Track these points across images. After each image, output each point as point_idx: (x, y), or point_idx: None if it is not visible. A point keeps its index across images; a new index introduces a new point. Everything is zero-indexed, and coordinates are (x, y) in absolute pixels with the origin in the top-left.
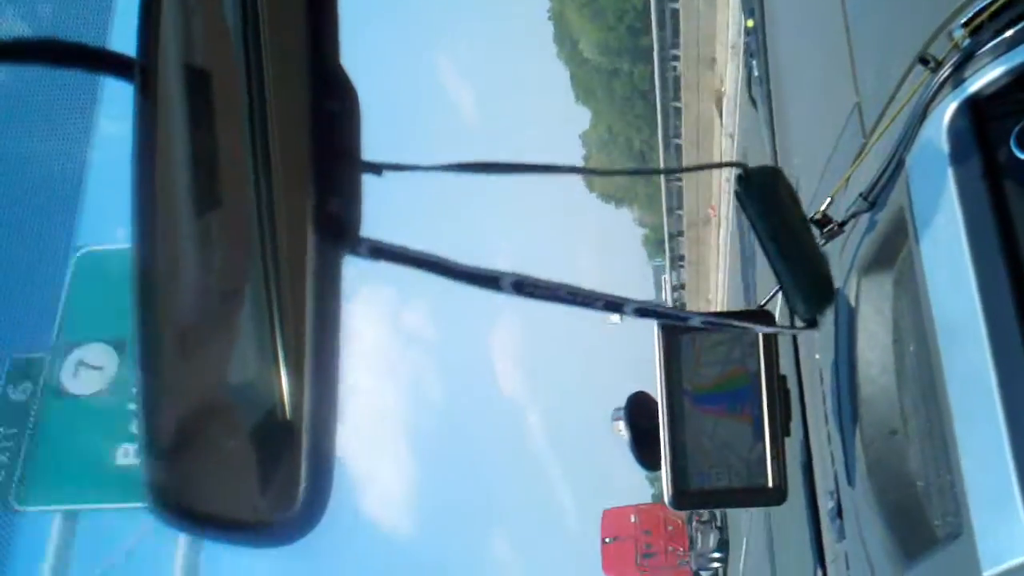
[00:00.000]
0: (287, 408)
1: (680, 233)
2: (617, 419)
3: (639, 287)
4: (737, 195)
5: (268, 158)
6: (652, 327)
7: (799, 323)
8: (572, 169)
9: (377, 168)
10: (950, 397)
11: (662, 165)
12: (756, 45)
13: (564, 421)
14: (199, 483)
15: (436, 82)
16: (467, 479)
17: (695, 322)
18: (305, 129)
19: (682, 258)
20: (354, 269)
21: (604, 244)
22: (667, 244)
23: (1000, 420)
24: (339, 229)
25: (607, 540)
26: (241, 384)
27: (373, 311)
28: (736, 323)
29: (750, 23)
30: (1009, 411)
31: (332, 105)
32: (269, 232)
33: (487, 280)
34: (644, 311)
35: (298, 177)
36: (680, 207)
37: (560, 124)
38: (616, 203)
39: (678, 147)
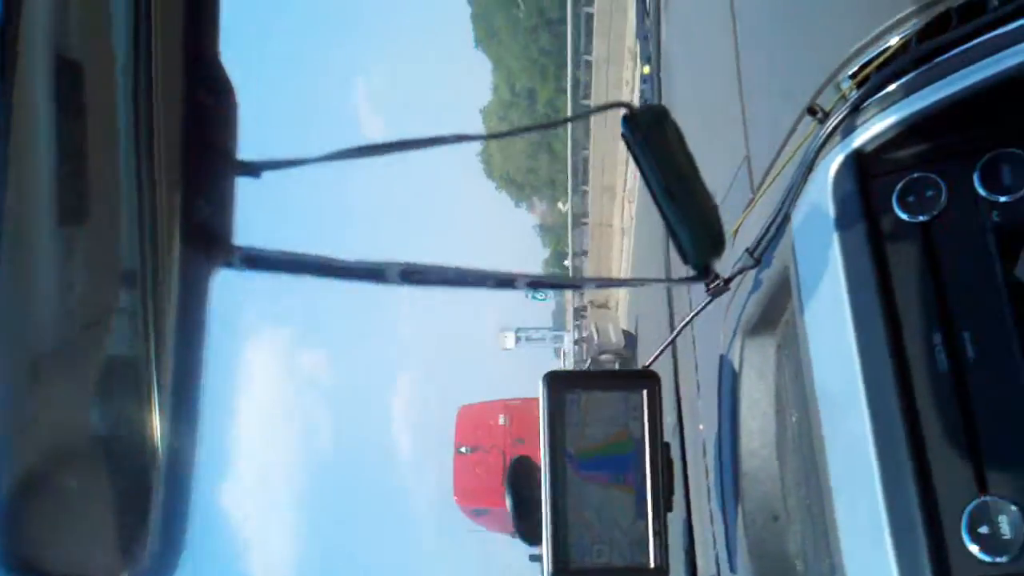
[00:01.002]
0: (141, 450)
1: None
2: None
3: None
4: (624, 137)
5: (138, 159)
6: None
7: (690, 272)
8: (459, 138)
9: (254, 168)
10: (830, 473)
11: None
12: (651, 93)
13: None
14: (41, 539)
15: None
16: (359, 538)
17: (589, 286)
18: (176, 128)
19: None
20: (233, 282)
21: (504, 231)
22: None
23: (880, 502)
24: (209, 238)
25: (462, 450)
26: (93, 423)
27: (266, 351)
28: (620, 386)
29: (646, 69)
30: (888, 490)
31: (206, 101)
32: (132, 243)
33: (373, 273)
34: (537, 283)
35: (167, 180)
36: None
37: (462, 96)
38: (517, 190)
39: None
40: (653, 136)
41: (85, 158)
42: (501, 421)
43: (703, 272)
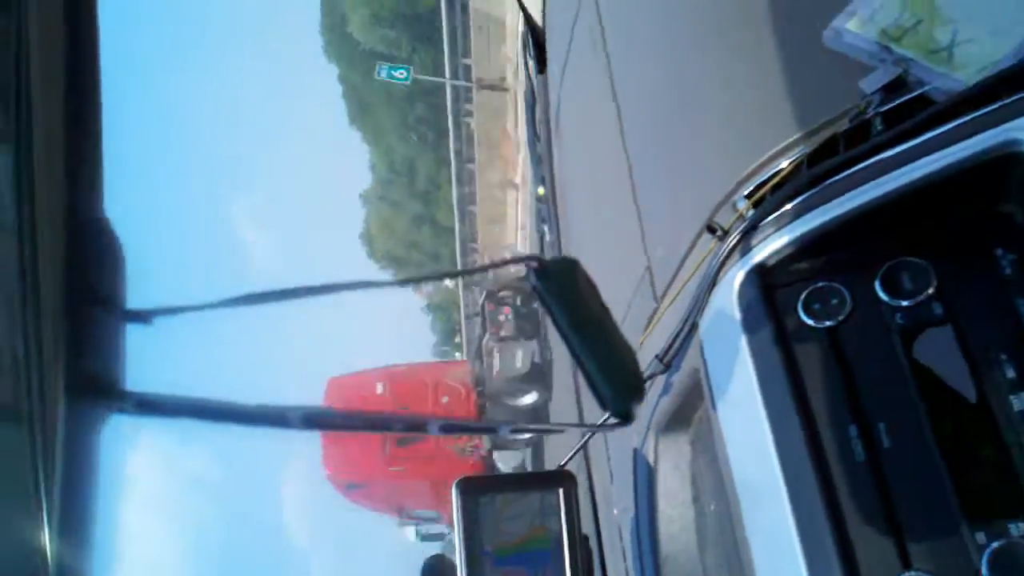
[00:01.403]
0: None
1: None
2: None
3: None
4: (535, 289)
5: (25, 315)
6: None
7: (612, 420)
8: (359, 284)
9: (145, 316)
10: (753, 558)
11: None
12: (547, 212)
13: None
14: None
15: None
16: None
17: (504, 432)
18: (57, 282)
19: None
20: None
21: (393, 312)
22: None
23: None
24: (97, 387)
25: None
26: None
27: (146, 459)
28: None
29: (541, 191)
30: (812, 572)
31: (88, 254)
32: (16, 394)
33: (274, 419)
34: (448, 427)
35: (49, 332)
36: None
37: (343, 184)
38: (400, 269)
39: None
40: (564, 287)
41: None
42: (379, 390)
43: (625, 417)
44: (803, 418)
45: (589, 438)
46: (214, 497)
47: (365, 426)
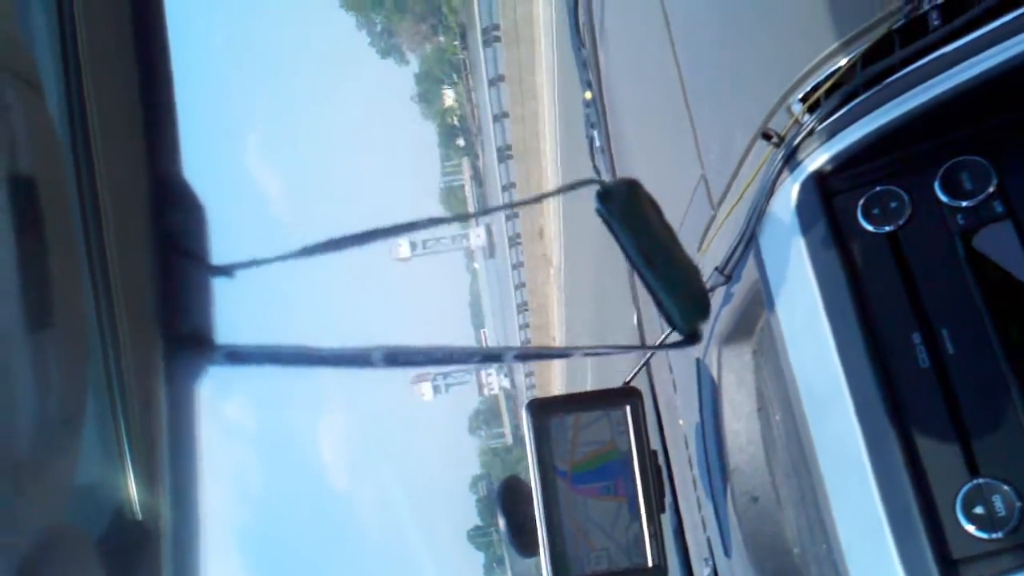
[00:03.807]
0: (147, 528)
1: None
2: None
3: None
4: (599, 213)
5: (107, 275)
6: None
7: (679, 338)
8: (429, 222)
9: (228, 270)
10: (821, 465)
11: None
12: (596, 116)
13: (393, 501)
14: None
15: None
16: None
17: (576, 354)
18: (146, 242)
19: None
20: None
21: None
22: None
23: (873, 489)
24: (192, 341)
25: None
26: (96, 517)
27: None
28: (603, 405)
29: (588, 95)
30: (881, 479)
31: (175, 215)
32: (115, 352)
33: (358, 359)
34: (523, 356)
35: (143, 292)
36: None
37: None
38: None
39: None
40: (628, 209)
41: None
42: None
43: (692, 336)
44: (865, 325)
45: (651, 355)
46: (252, 443)
47: (445, 360)
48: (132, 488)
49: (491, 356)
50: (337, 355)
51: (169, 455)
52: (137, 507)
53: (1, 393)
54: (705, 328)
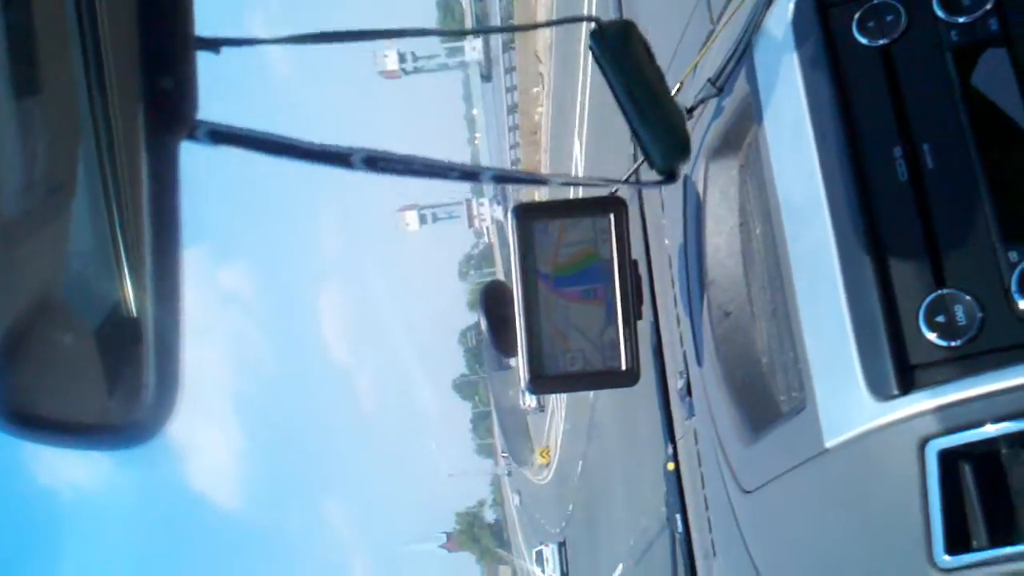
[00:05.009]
0: (128, 306)
1: None
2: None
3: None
4: (591, 50)
5: (96, 39)
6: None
7: (657, 177)
8: (418, 32)
9: (214, 44)
10: (794, 276)
11: None
12: None
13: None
14: (38, 387)
15: None
16: (295, 442)
17: (554, 183)
18: (131, 5)
19: None
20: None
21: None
22: None
23: (841, 298)
24: (173, 112)
25: None
26: (77, 282)
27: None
28: (589, 212)
29: None
30: (849, 287)
31: None
32: (98, 119)
33: (337, 157)
34: (501, 178)
35: (126, 57)
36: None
37: None
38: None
39: None
40: (620, 50)
41: (35, 36)
42: None
43: (669, 176)
44: (849, 137)
45: (634, 191)
46: (250, 313)
47: (424, 172)
48: (123, 277)
49: (470, 174)
50: (318, 150)
51: (152, 237)
52: (129, 301)
53: None
54: (683, 166)
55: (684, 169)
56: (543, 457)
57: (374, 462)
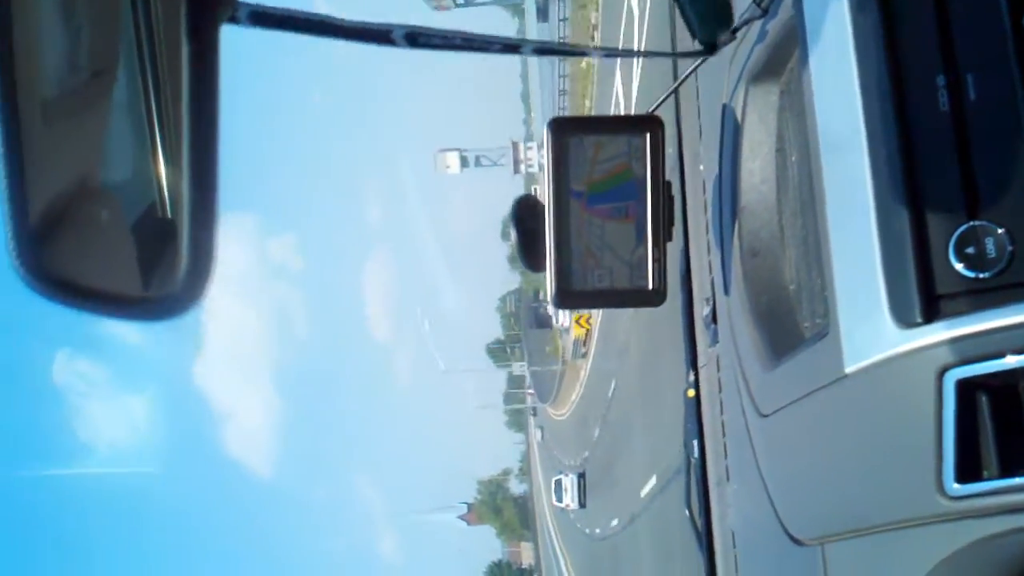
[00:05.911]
0: (164, 186)
1: None
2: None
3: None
4: None
5: None
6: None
7: (698, 47)
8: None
9: None
10: (827, 201)
11: None
12: None
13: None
14: (77, 256)
15: None
16: (332, 416)
17: (596, 54)
18: None
19: None
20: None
21: None
22: None
23: (872, 224)
24: None
25: None
26: (116, 160)
27: (236, 239)
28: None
29: None
30: (881, 214)
31: None
32: (144, 9)
33: (379, 35)
34: (543, 49)
35: None
36: None
37: None
38: None
39: None
40: None
41: None
42: None
43: (710, 47)
44: (891, 63)
45: (681, 82)
46: (298, 285)
47: (464, 45)
48: (160, 157)
49: (511, 46)
50: (361, 28)
51: (191, 119)
52: (165, 181)
53: (29, 33)
54: (725, 42)
55: (724, 39)
56: (583, 326)
57: (402, 424)
